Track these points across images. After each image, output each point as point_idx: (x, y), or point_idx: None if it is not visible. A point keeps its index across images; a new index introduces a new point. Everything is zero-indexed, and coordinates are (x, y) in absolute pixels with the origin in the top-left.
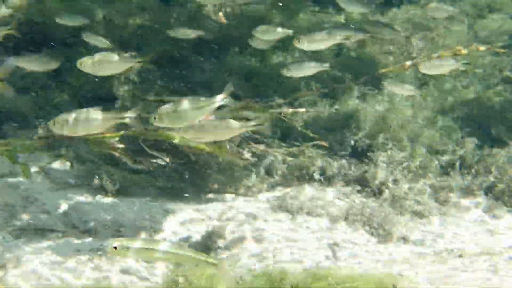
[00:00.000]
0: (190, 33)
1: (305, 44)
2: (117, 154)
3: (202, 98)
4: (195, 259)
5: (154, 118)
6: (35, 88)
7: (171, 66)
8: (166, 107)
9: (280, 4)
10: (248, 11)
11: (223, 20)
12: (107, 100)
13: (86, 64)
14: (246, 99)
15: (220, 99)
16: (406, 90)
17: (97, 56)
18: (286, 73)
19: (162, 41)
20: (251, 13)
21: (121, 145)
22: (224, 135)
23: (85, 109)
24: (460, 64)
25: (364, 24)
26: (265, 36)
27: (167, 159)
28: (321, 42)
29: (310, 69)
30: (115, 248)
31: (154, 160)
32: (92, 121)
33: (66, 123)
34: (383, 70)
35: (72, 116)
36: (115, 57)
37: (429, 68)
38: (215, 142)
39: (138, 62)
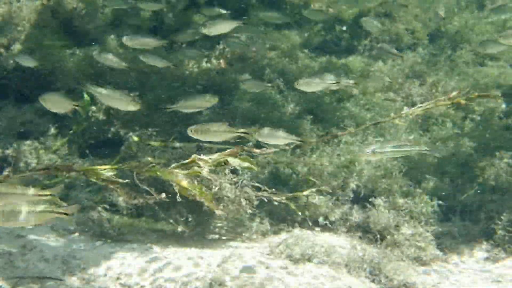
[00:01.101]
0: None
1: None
2: (112, 187)
3: None
4: None
5: None
6: (36, 134)
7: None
8: None
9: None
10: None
11: (224, 65)
12: (110, 145)
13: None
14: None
15: None
16: None
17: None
18: (260, 139)
19: (166, 86)
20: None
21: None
22: None
23: None
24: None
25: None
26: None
27: (160, 195)
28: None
29: (280, 140)
30: None
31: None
32: None
33: None
34: (384, 120)
35: None
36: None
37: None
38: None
39: None
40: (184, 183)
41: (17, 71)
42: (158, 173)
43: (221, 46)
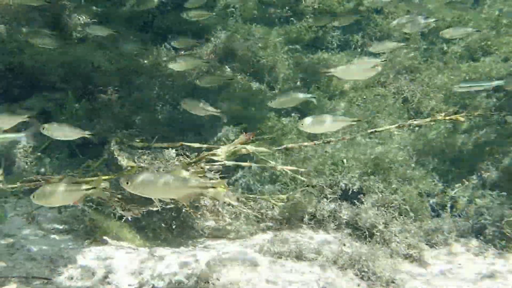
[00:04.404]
0: None
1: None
2: (106, 199)
3: None
4: None
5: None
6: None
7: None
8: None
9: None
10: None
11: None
12: (97, 144)
13: None
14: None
15: None
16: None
17: None
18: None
19: (154, 86)
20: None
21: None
22: None
23: None
24: None
25: None
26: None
27: (158, 204)
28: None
29: None
30: None
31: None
32: None
33: None
34: (382, 129)
35: None
36: None
37: None
38: None
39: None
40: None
41: (6, 71)
42: None
43: (213, 42)
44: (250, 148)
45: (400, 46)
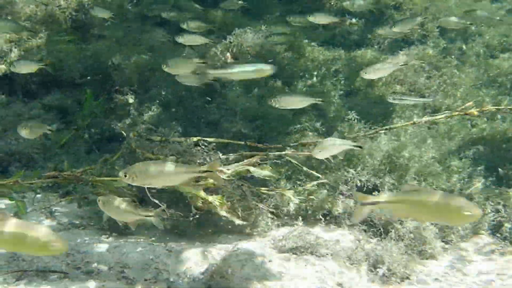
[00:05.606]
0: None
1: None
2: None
3: None
4: None
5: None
6: None
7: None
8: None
9: None
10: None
11: (230, 59)
12: (114, 140)
13: None
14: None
15: None
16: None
17: None
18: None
19: (171, 83)
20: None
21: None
22: None
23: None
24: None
25: None
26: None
27: (165, 209)
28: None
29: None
30: None
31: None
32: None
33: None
34: (397, 126)
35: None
36: None
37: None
38: None
39: None
40: (203, 194)
41: None
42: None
43: (228, 40)
44: (254, 170)
45: (412, 61)
